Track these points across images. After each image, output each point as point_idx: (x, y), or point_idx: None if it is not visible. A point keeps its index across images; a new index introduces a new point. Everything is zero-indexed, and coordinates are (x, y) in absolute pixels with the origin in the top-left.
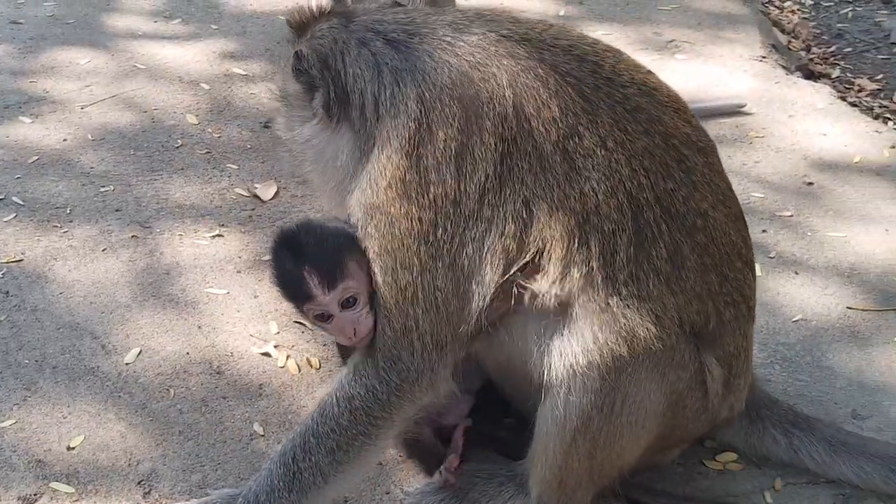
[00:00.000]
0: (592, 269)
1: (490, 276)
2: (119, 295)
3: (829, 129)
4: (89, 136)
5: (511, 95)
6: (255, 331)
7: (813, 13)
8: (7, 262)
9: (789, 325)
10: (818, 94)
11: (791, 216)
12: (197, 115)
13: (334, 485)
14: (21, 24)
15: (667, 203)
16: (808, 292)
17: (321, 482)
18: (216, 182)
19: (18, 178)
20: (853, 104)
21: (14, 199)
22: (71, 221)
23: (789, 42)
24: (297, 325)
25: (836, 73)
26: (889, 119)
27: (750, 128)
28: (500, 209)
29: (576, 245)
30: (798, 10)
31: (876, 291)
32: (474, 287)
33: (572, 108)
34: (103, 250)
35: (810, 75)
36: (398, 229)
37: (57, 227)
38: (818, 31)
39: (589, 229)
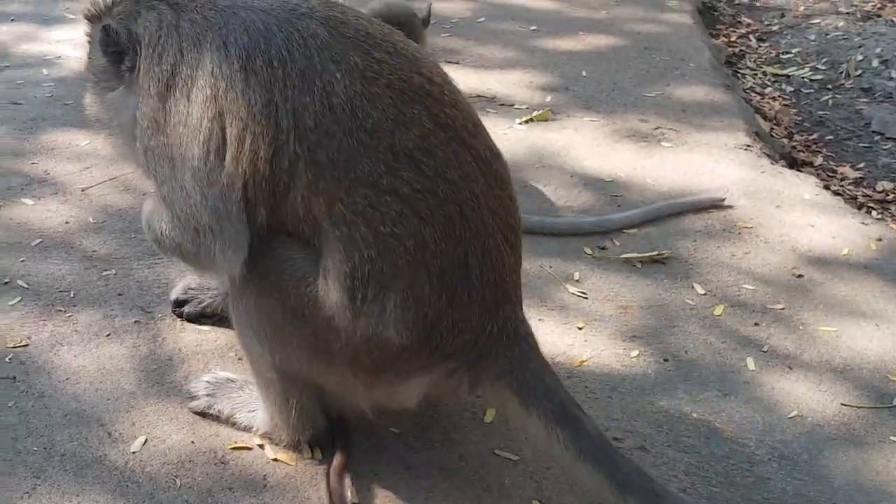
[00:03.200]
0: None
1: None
2: (124, 382)
3: (817, 221)
4: (90, 219)
5: (224, 34)
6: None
7: (794, 100)
8: (13, 347)
9: (785, 422)
10: (804, 185)
11: (783, 309)
12: None
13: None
14: (21, 104)
15: (300, 117)
16: (803, 388)
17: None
18: None
19: (23, 260)
20: (837, 193)
21: (19, 282)
22: (75, 306)
23: (771, 129)
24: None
25: (818, 160)
26: (873, 209)
27: (738, 218)
28: (211, 131)
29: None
30: (779, 96)
31: (869, 388)
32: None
33: (261, 34)
34: (107, 336)
35: (794, 163)
36: (156, 155)
37: (61, 311)
38: (799, 119)
39: (246, 135)
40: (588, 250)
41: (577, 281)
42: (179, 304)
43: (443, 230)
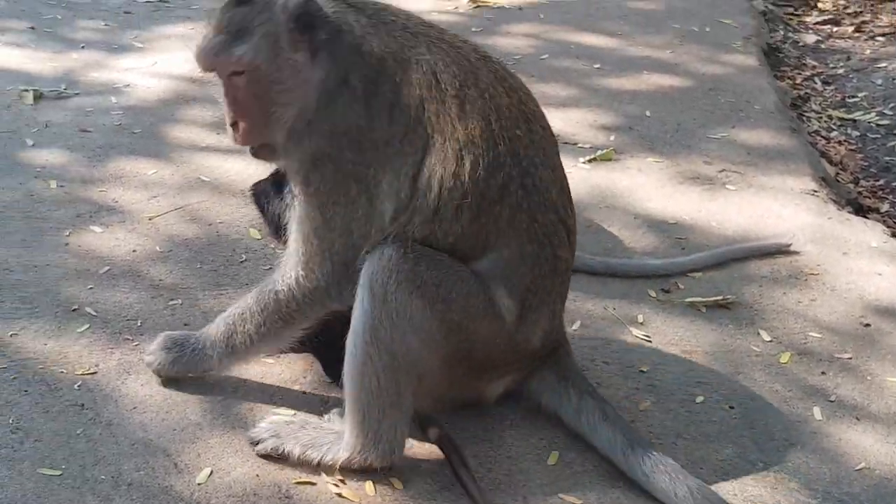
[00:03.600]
0: (455, 183)
1: (392, 206)
2: (190, 412)
3: (884, 269)
4: (157, 248)
5: (430, 60)
6: None
7: (860, 145)
8: (82, 375)
9: (853, 475)
10: (871, 232)
11: (850, 359)
12: (260, 230)
13: (258, 349)
14: (90, 132)
15: (514, 145)
16: (871, 440)
17: (248, 345)
18: None
19: (91, 288)
20: None
21: (87, 309)
22: (142, 335)
23: (837, 174)
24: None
25: (885, 207)
26: None
27: (804, 265)
28: (415, 143)
29: (454, 167)
30: (845, 141)
31: None
32: (382, 214)
33: (464, 69)
34: None
35: (860, 209)
36: (341, 171)
37: (129, 339)
38: (866, 164)
39: (464, 155)
40: (652, 293)
41: (642, 324)
42: None
43: (573, 258)
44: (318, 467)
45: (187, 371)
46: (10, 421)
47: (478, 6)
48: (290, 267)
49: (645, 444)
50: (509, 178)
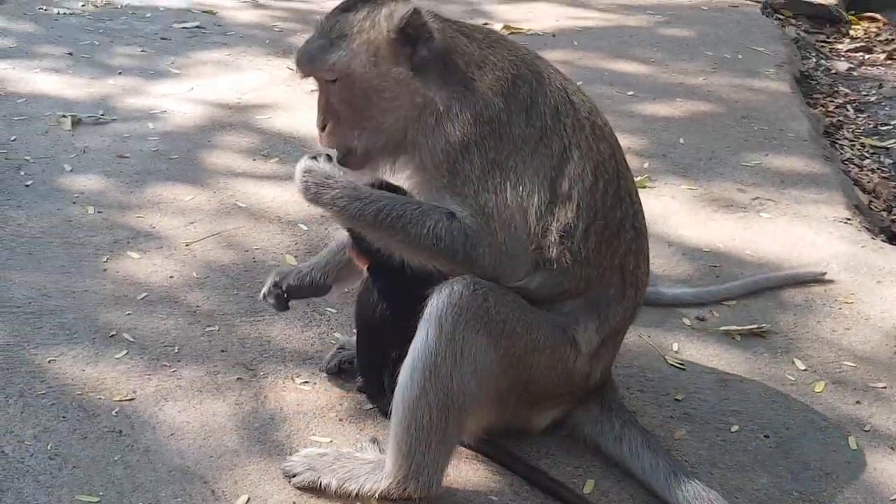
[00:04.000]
0: (586, 207)
1: (534, 203)
2: (227, 439)
3: None
4: (194, 274)
5: (559, 79)
6: None
7: (892, 172)
8: (120, 401)
9: None
10: None
11: (884, 388)
12: (296, 257)
13: (395, 246)
14: (127, 157)
15: (627, 185)
16: None
17: (389, 239)
18: (316, 326)
19: (129, 314)
20: None
21: (125, 335)
22: (179, 361)
23: (870, 202)
24: None
25: None
26: None
27: (839, 293)
28: (551, 148)
29: (589, 182)
30: (878, 168)
31: None
32: (526, 209)
33: (587, 100)
34: (210, 392)
35: (893, 237)
36: (486, 159)
37: (166, 366)
38: None
39: (598, 176)
40: (687, 321)
41: (677, 352)
42: (278, 286)
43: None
44: (356, 498)
45: (329, 206)
46: (49, 447)
47: (512, 33)
48: (456, 229)
49: (686, 472)
50: (626, 215)
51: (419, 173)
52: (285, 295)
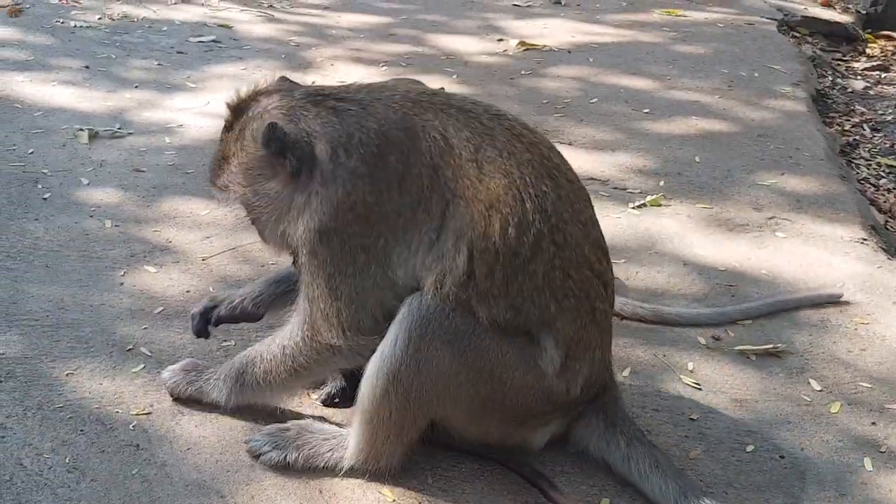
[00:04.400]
0: (487, 246)
1: (410, 269)
2: (243, 454)
3: None
4: (211, 289)
5: (438, 125)
6: (374, 497)
7: None
8: (137, 415)
9: None
10: None
11: None
12: None
13: (265, 393)
14: (143, 172)
15: (541, 201)
16: None
17: (257, 387)
18: None
19: (146, 328)
20: None
21: (142, 349)
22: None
23: (886, 222)
24: (413, 491)
25: None
26: None
27: (855, 314)
28: (431, 211)
29: (482, 228)
30: (894, 188)
31: None
32: (397, 280)
33: (478, 131)
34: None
35: None
36: (348, 245)
37: None
38: None
39: (491, 216)
40: (702, 340)
41: (692, 371)
42: (207, 312)
43: (612, 307)
44: (322, 472)
45: (199, 397)
46: (67, 460)
47: (527, 49)
48: (297, 325)
49: (697, 491)
50: (540, 234)
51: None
52: (212, 323)
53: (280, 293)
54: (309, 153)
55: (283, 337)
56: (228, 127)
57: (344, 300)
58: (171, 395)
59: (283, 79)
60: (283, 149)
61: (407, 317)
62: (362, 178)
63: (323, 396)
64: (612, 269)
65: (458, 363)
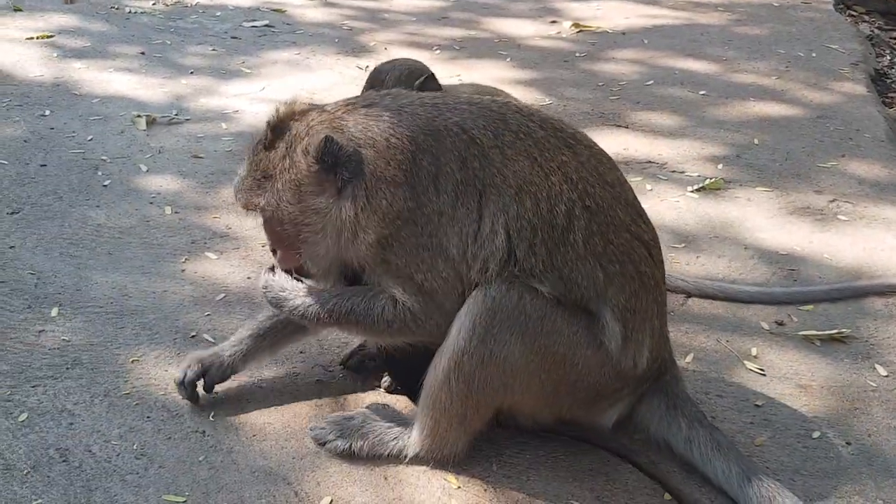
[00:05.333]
0: (521, 224)
1: (465, 265)
2: (307, 441)
3: None
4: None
5: (458, 120)
6: (439, 484)
7: None
8: (202, 402)
9: None
10: None
11: None
12: None
13: (345, 332)
14: (201, 158)
15: (563, 171)
16: None
17: (339, 324)
18: None
19: (208, 315)
20: None
21: (205, 336)
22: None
23: None
24: (477, 478)
25: None
26: None
27: None
28: (468, 204)
29: (515, 210)
30: None
31: None
32: (462, 273)
33: (491, 119)
34: (291, 394)
35: None
36: (408, 246)
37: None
38: None
39: (522, 196)
40: (765, 326)
41: (755, 357)
42: (196, 379)
43: (661, 271)
44: (387, 460)
45: (290, 311)
46: (135, 447)
47: (581, 31)
48: (402, 306)
49: (761, 474)
50: (571, 203)
51: (364, 273)
52: (205, 389)
53: (266, 347)
54: (358, 166)
55: (387, 312)
56: (268, 146)
57: (433, 293)
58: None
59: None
60: (336, 163)
61: (472, 308)
62: (401, 187)
63: (386, 383)
64: (652, 231)
65: (529, 350)
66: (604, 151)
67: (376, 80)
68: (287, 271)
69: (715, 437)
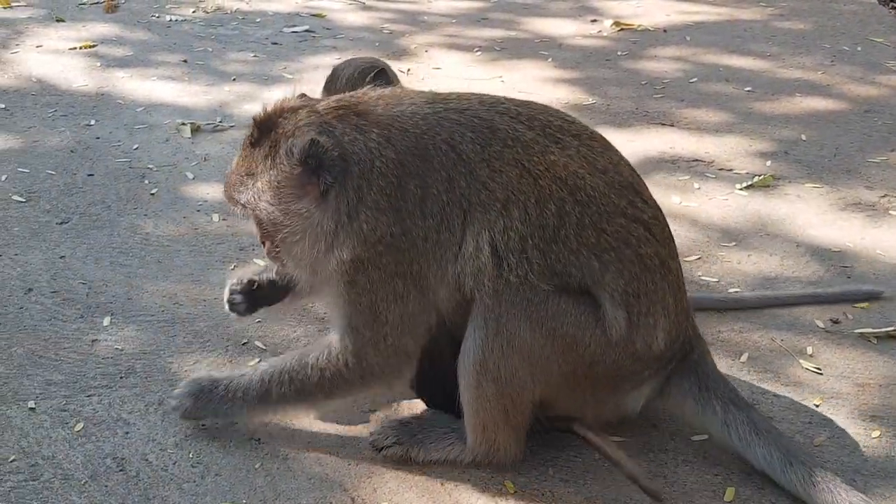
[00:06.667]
0: (509, 236)
1: (449, 285)
2: (363, 446)
3: None
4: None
5: (446, 136)
6: (496, 490)
7: None
8: None
9: None
10: None
11: None
12: None
13: (290, 412)
14: None
15: (552, 171)
16: None
17: (281, 406)
18: None
19: (259, 322)
20: None
21: (257, 343)
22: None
23: None
24: (534, 483)
25: None
26: None
27: None
28: (452, 226)
29: (501, 224)
30: None
31: None
32: (436, 298)
33: (479, 128)
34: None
35: None
36: (384, 272)
37: None
38: None
39: (510, 208)
40: (820, 324)
41: (811, 356)
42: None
43: (669, 248)
44: (445, 465)
45: (215, 418)
46: (191, 455)
47: (622, 29)
48: (338, 351)
49: (804, 457)
50: (562, 201)
51: (323, 290)
52: (254, 291)
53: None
54: (343, 172)
55: (321, 359)
56: (254, 142)
57: (390, 325)
58: (185, 419)
59: (303, 95)
60: (320, 166)
61: (479, 310)
62: (385, 213)
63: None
64: (653, 209)
65: (539, 335)
66: (595, 134)
67: (332, 81)
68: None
69: (752, 420)
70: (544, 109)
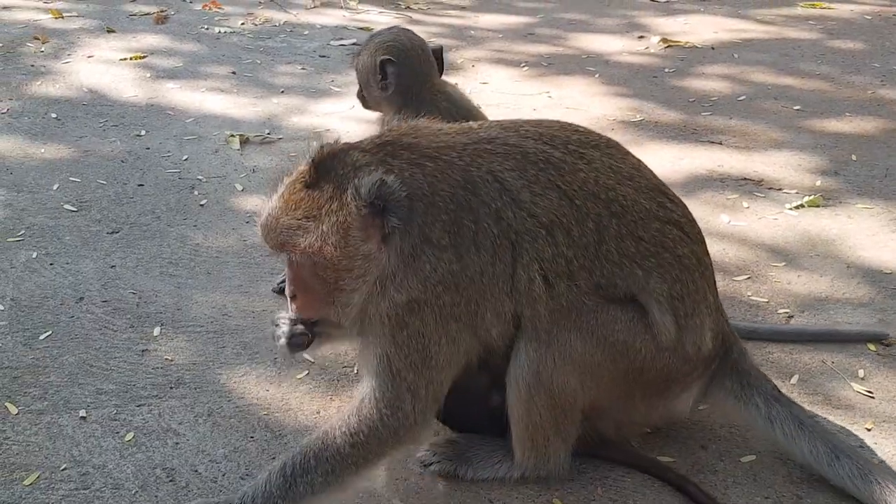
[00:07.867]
0: (558, 262)
1: (503, 322)
2: (411, 463)
3: None
4: None
5: (488, 167)
6: (535, 490)
7: None
8: (304, 422)
9: None
10: None
11: None
12: None
13: (322, 499)
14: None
15: (584, 188)
16: None
17: (311, 496)
18: None
19: None
20: None
21: (305, 355)
22: (358, 382)
23: None
24: (582, 502)
25: None
26: None
27: None
28: (504, 259)
29: (549, 252)
30: None
31: None
32: (488, 336)
33: (513, 154)
34: None
35: None
36: (440, 315)
37: (346, 387)
38: None
39: (554, 232)
40: (871, 346)
41: (863, 379)
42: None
43: (702, 247)
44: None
45: None
46: (240, 467)
47: (669, 46)
48: (370, 405)
49: (850, 451)
50: (599, 217)
51: (363, 335)
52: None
53: None
54: (409, 213)
55: (351, 422)
56: (311, 184)
57: (436, 369)
58: None
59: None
60: (386, 208)
61: (532, 319)
62: (446, 250)
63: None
64: (681, 207)
65: (590, 344)
66: (611, 140)
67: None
68: (304, 322)
69: (795, 415)
70: (558, 125)
